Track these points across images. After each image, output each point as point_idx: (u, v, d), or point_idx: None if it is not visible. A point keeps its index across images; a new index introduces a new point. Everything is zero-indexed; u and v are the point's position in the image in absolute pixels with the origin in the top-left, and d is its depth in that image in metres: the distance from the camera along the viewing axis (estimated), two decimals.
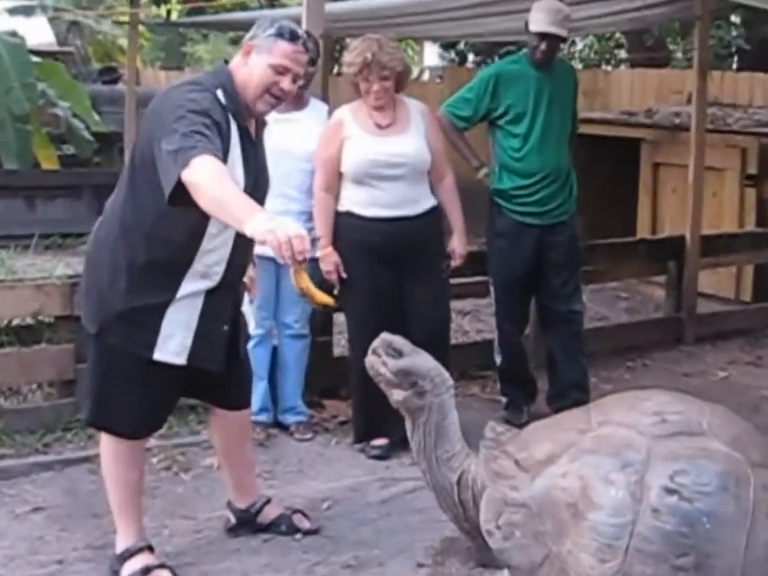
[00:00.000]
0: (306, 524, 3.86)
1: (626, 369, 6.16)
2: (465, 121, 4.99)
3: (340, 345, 5.46)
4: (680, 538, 2.84)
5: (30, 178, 9.95)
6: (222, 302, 3.42)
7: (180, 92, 3.22)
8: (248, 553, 3.71)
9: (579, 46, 15.20)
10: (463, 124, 5.00)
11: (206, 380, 3.47)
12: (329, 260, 4.53)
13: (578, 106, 5.29)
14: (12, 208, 9.75)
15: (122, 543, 3.48)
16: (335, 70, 12.87)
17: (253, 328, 4.47)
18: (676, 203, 7.63)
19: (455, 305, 5.49)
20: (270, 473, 4.40)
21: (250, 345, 4.16)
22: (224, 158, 3.10)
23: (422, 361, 3.33)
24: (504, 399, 5.22)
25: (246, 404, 3.78)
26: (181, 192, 2.98)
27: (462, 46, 15.90)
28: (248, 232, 2.87)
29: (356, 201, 4.55)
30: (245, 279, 3.66)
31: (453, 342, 5.18)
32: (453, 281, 4.91)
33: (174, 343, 3.33)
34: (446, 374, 3.36)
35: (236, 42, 17.27)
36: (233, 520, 3.84)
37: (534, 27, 4.84)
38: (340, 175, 4.55)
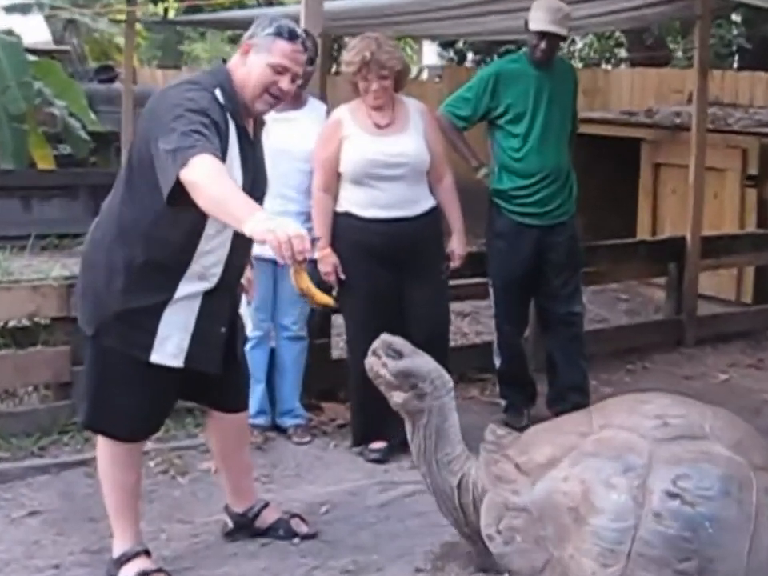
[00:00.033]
0: (304, 528, 3.84)
1: (626, 371, 6.15)
2: (464, 120, 4.97)
3: (338, 347, 5.45)
4: (682, 543, 2.84)
5: (26, 178, 9.95)
6: (220, 304, 3.41)
7: (178, 91, 3.21)
8: (246, 557, 3.69)
9: (579, 44, 15.19)
10: (462, 124, 4.98)
11: (204, 382, 3.45)
12: (327, 261, 4.51)
13: (577, 105, 5.27)
14: (8, 208, 9.75)
15: (118, 547, 3.47)
16: (333, 69, 12.84)
17: (250, 330, 4.43)
18: (676, 204, 7.63)
19: (454, 306, 5.47)
20: (267, 476, 4.39)
21: (248, 347, 4.13)
22: (222, 158, 3.08)
23: (423, 362, 3.32)
24: (503, 402, 5.21)
25: (244, 407, 3.76)
26: (179, 192, 2.97)
27: (461, 44, 15.88)
28: (247, 231, 2.85)
29: (355, 201, 4.53)
30: (242, 281, 3.64)
31: (452, 344, 5.17)
32: (452, 282, 4.90)
33: (170, 345, 3.31)
34: (447, 376, 3.35)
35: (234, 40, 17.27)
36: (230, 524, 3.82)
37: (534, 26, 4.83)
38: (338, 175, 4.53)
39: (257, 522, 3.80)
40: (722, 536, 2.84)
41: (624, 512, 2.87)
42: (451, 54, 16.74)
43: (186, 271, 3.29)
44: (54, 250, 8.92)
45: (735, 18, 12.28)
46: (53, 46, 14.10)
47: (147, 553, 3.48)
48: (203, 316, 3.34)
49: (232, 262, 3.37)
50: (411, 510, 4.07)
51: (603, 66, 14.76)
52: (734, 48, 12.21)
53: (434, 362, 3.34)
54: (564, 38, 5.09)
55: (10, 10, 10.94)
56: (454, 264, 4.72)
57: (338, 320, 5.07)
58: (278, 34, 3.31)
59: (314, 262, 4.36)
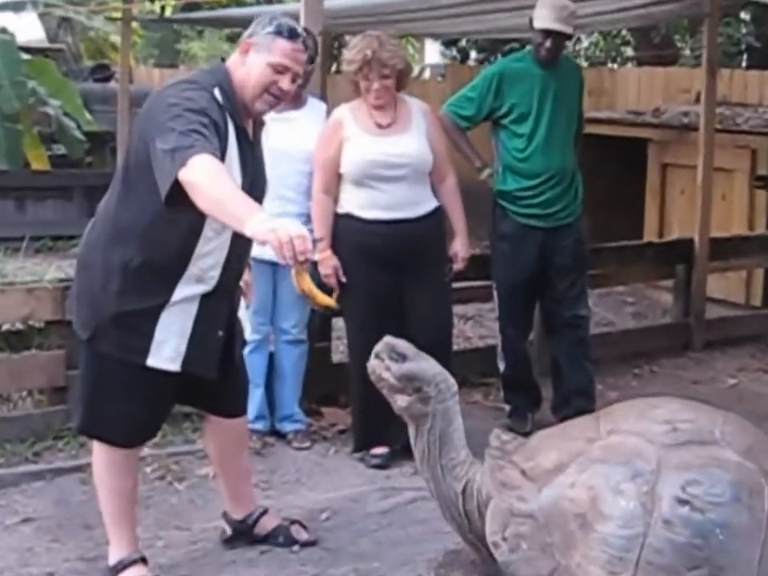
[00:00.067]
0: (304, 535, 3.82)
1: (633, 376, 6.12)
2: (467, 120, 4.94)
3: (339, 351, 5.44)
4: (692, 550, 2.79)
5: (19, 179, 9.94)
6: (218, 307, 3.39)
7: (176, 90, 3.19)
8: (244, 565, 3.67)
9: (585, 43, 15.13)
10: (466, 123, 4.95)
11: (201, 387, 3.43)
12: (327, 263, 4.48)
13: (583, 105, 5.24)
14: (1, 210, 9.78)
15: (114, 555, 3.45)
16: (334, 68, 12.84)
17: (249, 333, 4.39)
18: (684, 205, 7.62)
19: (457, 309, 5.47)
20: (266, 482, 4.37)
21: (246, 351, 4.11)
22: (221, 159, 3.06)
23: (427, 365, 3.28)
24: (507, 407, 5.18)
25: (242, 411, 3.74)
26: (178, 192, 2.95)
27: (463, 43, 15.84)
28: (248, 232, 2.84)
29: (355, 202, 4.50)
30: (241, 283, 3.62)
31: (455, 347, 5.14)
32: (455, 285, 4.89)
33: (167, 349, 3.29)
34: (452, 380, 3.32)
35: (232, 39, 17.26)
36: (229, 531, 3.80)
37: (539, 24, 4.80)
38: (339, 176, 4.51)
39: (256, 529, 3.78)
40: (733, 543, 2.80)
41: (632, 519, 2.83)
42: (454, 52, 16.69)
43: (183, 274, 3.27)
44: (49, 252, 8.94)
45: (744, 16, 12.24)
46: (47, 45, 14.07)
47: (144, 560, 3.47)
48: (201, 319, 3.32)
49: (230, 265, 3.35)
50: (414, 516, 4.04)
51: (609, 64, 14.71)
52: (743, 47, 12.17)
53: (439, 365, 3.30)
54: (570, 37, 5.05)
55: (3, 7, 10.83)
56: (457, 266, 4.70)
57: (338, 323, 5.05)
58: (278, 32, 3.29)
59: (314, 264, 4.34)
